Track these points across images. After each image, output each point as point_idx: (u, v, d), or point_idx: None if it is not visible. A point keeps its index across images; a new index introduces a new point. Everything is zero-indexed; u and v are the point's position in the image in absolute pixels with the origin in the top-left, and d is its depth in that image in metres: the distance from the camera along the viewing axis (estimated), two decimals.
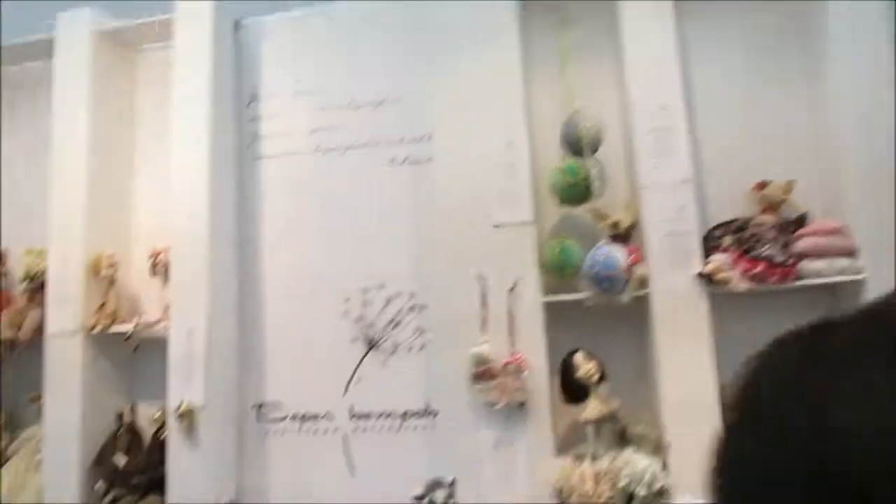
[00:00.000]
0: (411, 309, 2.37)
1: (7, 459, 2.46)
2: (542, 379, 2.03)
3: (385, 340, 2.37)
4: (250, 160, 2.53)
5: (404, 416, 2.32)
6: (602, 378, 2.03)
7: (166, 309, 2.36)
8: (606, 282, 1.99)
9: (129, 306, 2.48)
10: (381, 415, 2.34)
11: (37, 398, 2.45)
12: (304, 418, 2.40)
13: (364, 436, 2.35)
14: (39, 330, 2.44)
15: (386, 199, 2.41)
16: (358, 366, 2.38)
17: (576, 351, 2.06)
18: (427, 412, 2.31)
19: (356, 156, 2.44)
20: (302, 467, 2.38)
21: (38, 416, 2.45)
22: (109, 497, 2.29)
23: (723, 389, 1.98)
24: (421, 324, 2.36)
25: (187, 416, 2.23)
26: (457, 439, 2.09)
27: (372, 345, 2.38)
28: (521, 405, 1.99)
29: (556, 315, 2.08)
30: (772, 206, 2.13)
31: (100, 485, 2.32)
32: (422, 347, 2.35)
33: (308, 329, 2.43)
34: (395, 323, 2.37)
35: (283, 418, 2.42)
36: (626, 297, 2.02)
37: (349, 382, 2.38)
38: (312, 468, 2.37)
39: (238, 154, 2.51)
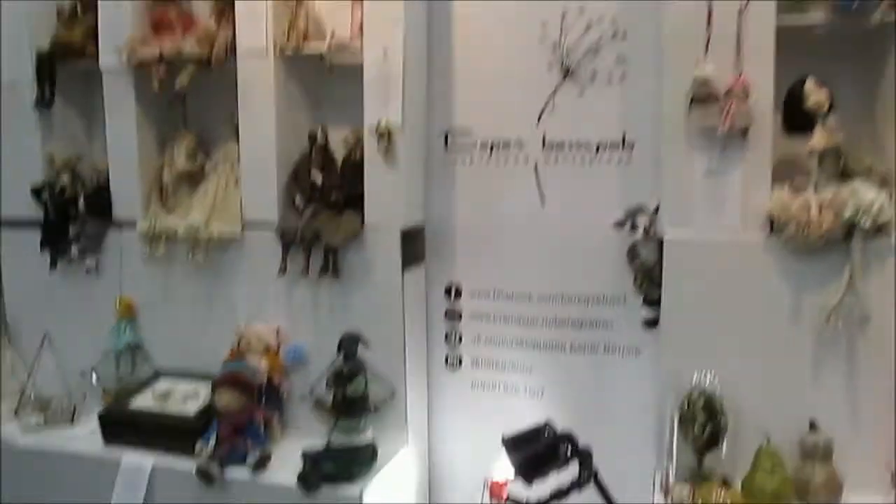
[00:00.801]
0: (613, 36, 2.24)
1: (207, 176, 2.59)
2: (767, 105, 1.91)
3: (582, 68, 2.27)
4: None
5: (599, 147, 2.28)
6: (831, 109, 1.90)
7: (359, 28, 2.30)
8: None
9: (318, 27, 2.43)
10: (574, 145, 2.31)
11: (230, 118, 2.52)
12: (493, 146, 2.40)
13: (556, 166, 2.34)
14: (230, 49, 2.44)
15: None
16: (552, 94, 2.31)
17: (805, 79, 1.92)
18: (624, 144, 2.26)
19: None
20: (490, 195, 2.42)
21: (230, 134, 2.54)
22: (309, 211, 2.39)
23: None
24: (622, 52, 2.23)
25: (385, 136, 2.25)
26: (661, 169, 2.04)
27: (568, 72, 2.29)
28: (744, 131, 1.90)
29: (784, 41, 1.91)
30: None
31: (299, 199, 2.42)
32: (622, 77, 2.24)
33: (501, 54, 2.35)
34: (594, 50, 2.25)
35: (473, 145, 2.42)
36: (876, 18, 1.82)
37: (542, 111, 2.33)
38: (501, 196, 2.41)
39: None
